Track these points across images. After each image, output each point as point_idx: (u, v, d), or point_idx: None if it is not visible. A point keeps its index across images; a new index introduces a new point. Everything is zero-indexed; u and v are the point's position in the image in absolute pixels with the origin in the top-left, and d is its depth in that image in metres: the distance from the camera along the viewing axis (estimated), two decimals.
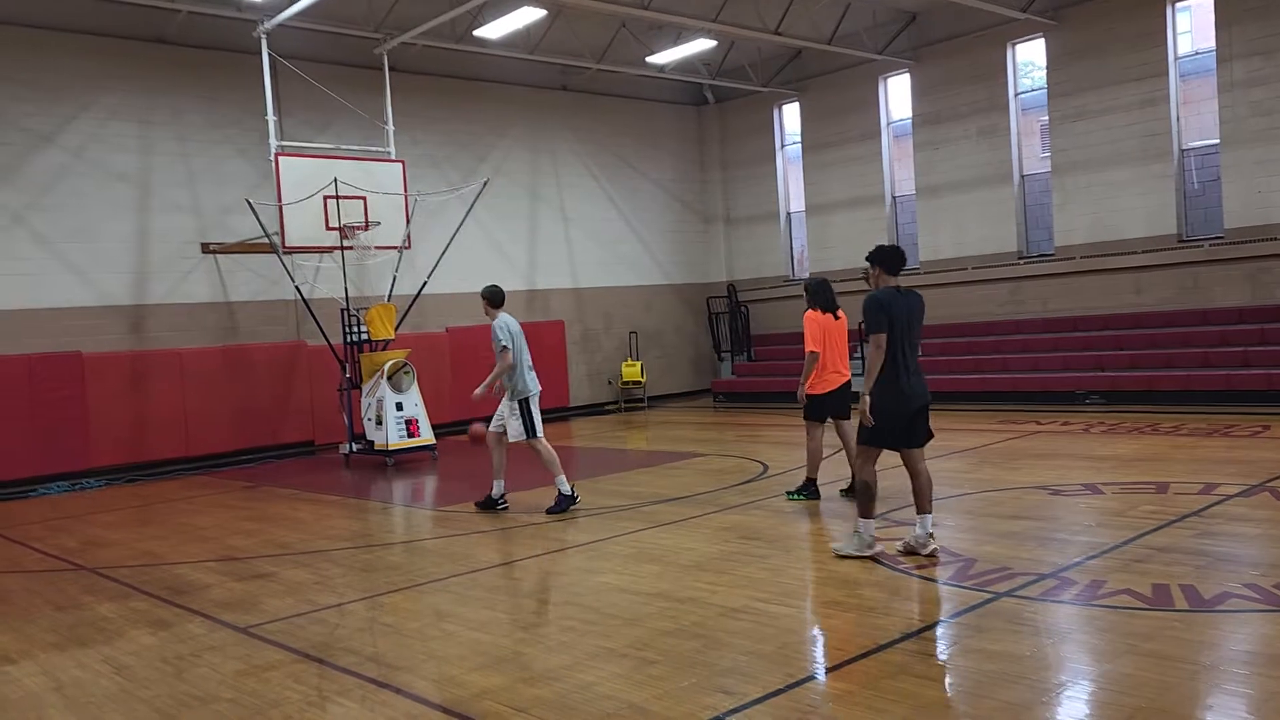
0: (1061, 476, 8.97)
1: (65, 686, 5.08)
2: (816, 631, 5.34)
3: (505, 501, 9.21)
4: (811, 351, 8.36)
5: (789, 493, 8.82)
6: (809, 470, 8.72)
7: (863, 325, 6.51)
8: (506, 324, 8.89)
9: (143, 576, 7.52)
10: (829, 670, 4.62)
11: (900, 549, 6.49)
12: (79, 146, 13.68)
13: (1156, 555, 6.08)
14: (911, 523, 6.70)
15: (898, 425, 6.47)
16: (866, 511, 6.49)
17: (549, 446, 8.91)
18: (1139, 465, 9.34)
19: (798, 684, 4.44)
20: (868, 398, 6.37)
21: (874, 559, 6.37)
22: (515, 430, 8.86)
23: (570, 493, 8.90)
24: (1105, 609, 5.15)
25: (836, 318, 8.57)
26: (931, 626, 5.16)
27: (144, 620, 6.24)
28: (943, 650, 4.77)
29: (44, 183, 13.40)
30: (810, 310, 8.50)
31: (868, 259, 6.81)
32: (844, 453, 8.64)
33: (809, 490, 8.71)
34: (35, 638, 6.01)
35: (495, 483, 9.15)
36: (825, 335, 8.43)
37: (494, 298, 9.12)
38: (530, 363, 9.01)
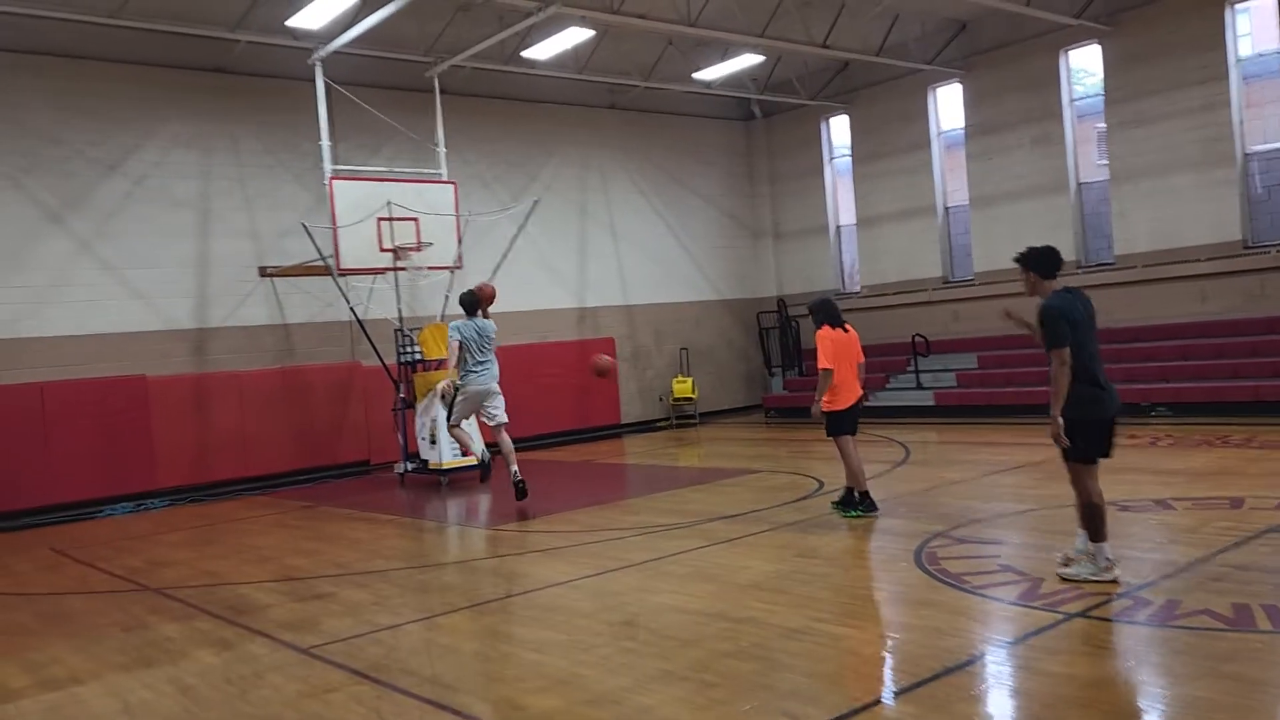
0: (1130, 492, 8.71)
1: (132, 708, 5.15)
2: (881, 653, 5.22)
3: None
4: (826, 369, 8.38)
5: (846, 512, 8.63)
6: (856, 484, 8.58)
7: (1042, 339, 5.91)
8: (458, 324, 10.49)
9: (206, 597, 7.62)
10: (896, 694, 4.51)
11: (1062, 562, 6.08)
12: (142, 175, 14.03)
13: (1234, 574, 5.86)
14: (968, 540, 6.54)
15: (1103, 433, 5.94)
16: (1099, 535, 5.92)
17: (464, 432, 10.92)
18: (1210, 479, 9.05)
19: (863, 708, 4.34)
20: (1060, 419, 5.82)
21: (1114, 582, 5.81)
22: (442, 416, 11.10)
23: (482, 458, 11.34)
24: (1183, 630, 4.97)
25: (845, 331, 8.62)
26: (1002, 648, 5.01)
27: (207, 640, 6.32)
28: (1014, 673, 4.63)
29: (109, 211, 13.76)
30: (821, 328, 8.57)
31: (1018, 261, 6.18)
32: (843, 464, 8.62)
33: (866, 505, 8.58)
34: (103, 658, 6.11)
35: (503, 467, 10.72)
36: (838, 350, 8.47)
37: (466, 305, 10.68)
38: (481, 359, 10.54)
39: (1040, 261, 6.08)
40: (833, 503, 8.88)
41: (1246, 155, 14.67)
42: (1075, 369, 5.78)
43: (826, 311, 8.64)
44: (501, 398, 10.80)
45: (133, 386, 13.49)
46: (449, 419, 10.90)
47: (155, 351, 13.97)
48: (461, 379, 10.50)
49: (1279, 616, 5.02)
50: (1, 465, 12.48)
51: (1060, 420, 5.81)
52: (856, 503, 8.59)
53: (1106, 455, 6.01)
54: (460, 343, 10.38)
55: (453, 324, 10.52)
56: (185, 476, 13.86)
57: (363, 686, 5.17)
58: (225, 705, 5.06)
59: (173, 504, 13.48)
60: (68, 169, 13.48)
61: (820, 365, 8.39)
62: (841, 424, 8.54)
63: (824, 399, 8.47)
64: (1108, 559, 5.89)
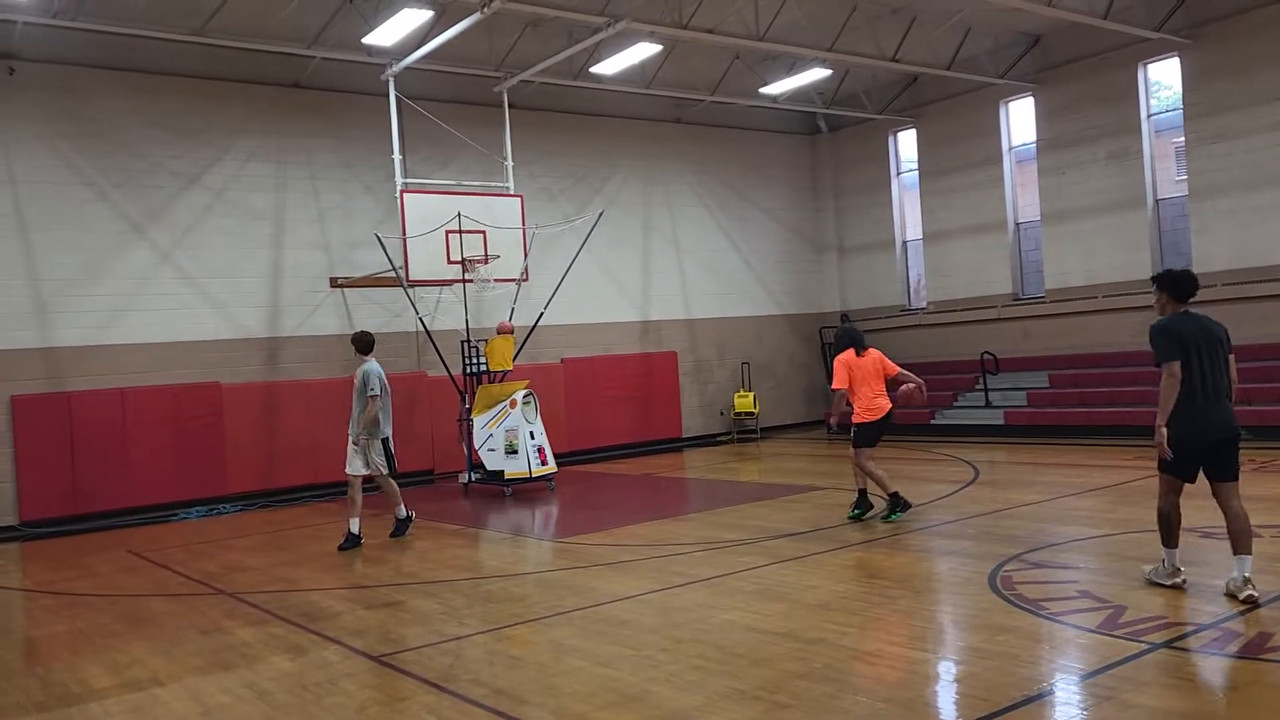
0: (1211, 518, 8.36)
1: (212, 711, 5.25)
2: (958, 679, 5.11)
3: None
4: (838, 389, 9.51)
5: (884, 517, 9.34)
6: (886, 489, 9.32)
7: (1153, 355, 6.17)
8: (378, 372, 10.04)
9: (279, 602, 7.76)
10: None
11: (1225, 592, 6.02)
12: (220, 188, 14.42)
13: None
14: (1044, 564, 6.40)
15: (1196, 457, 6.11)
16: (1168, 541, 6.28)
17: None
18: None
19: None
20: (1164, 430, 6.01)
21: (1178, 587, 6.20)
22: (377, 465, 10.10)
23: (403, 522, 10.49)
24: (1276, 664, 4.78)
25: (861, 355, 9.56)
26: (1084, 678, 4.88)
27: (282, 646, 6.43)
28: (1098, 705, 4.49)
29: (188, 223, 14.16)
30: (842, 353, 9.61)
31: (1154, 280, 6.42)
32: (859, 473, 9.53)
33: (896, 504, 9.31)
34: (182, 661, 6.25)
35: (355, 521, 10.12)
36: (852, 373, 9.47)
37: (362, 344, 10.24)
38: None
39: (1174, 284, 6.24)
40: (883, 517, 9.42)
41: None
42: (1182, 388, 5.97)
43: (852, 338, 9.75)
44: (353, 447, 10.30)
45: (207, 393, 13.84)
46: (390, 467, 10.26)
47: (229, 359, 14.32)
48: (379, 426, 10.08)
49: None
50: (83, 468, 12.89)
51: (1164, 431, 6.00)
52: (891, 506, 9.35)
53: (1216, 478, 6.13)
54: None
55: (372, 367, 10.06)
56: (255, 482, 14.16)
57: (434, 696, 5.21)
58: (300, 711, 5.14)
59: (243, 509, 13.78)
60: (151, 182, 13.90)
61: (833, 386, 9.63)
62: (868, 435, 9.51)
63: (843, 412, 9.64)
64: (1175, 566, 6.27)
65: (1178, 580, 6.21)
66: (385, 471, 10.13)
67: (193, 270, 14.16)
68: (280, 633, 6.78)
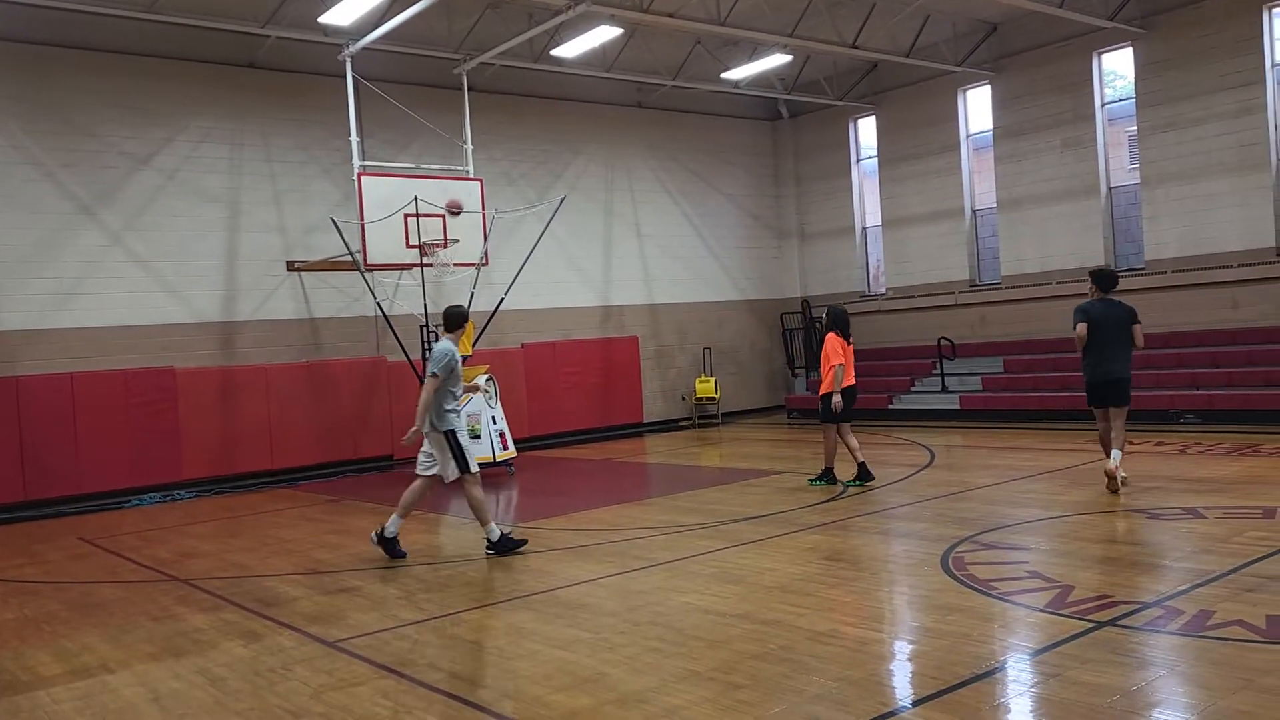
0: (1159, 499, 8.63)
1: (162, 698, 5.19)
2: (909, 659, 5.19)
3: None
4: (838, 364, 10.07)
5: (812, 481, 10.57)
6: (830, 461, 10.50)
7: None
8: (449, 351, 8.19)
9: (233, 588, 7.68)
10: (923, 700, 4.47)
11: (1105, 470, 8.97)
12: (173, 169, 14.16)
13: (1269, 584, 5.78)
14: (996, 545, 6.50)
15: (1097, 391, 9.25)
16: (1106, 451, 9.26)
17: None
18: (1241, 488, 8.94)
19: (892, 714, 4.32)
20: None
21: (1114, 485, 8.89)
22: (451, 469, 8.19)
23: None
24: (1216, 641, 4.90)
25: (849, 343, 10.34)
26: (1031, 655, 4.97)
27: (236, 632, 6.37)
28: (1044, 682, 4.59)
29: (140, 204, 13.90)
30: (830, 333, 10.24)
31: (1089, 275, 9.49)
32: (846, 449, 10.42)
33: (827, 476, 10.49)
34: (132, 648, 6.17)
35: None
36: (845, 353, 10.23)
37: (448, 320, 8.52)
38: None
39: (1100, 279, 9.29)
40: (811, 481, 10.63)
41: None
42: (1087, 345, 9.15)
43: (841, 322, 10.37)
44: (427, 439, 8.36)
45: (161, 378, 13.63)
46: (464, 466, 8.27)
47: (183, 343, 14.11)
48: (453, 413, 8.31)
49: None
50: (32, 454, 12.65)
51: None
52: (829, 478, 10.53)
53: (1106, 405, 9.25)
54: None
55: (448, 347, 8.26)
56: (211, 468, 13.99)
57: (389, 681, 5.20)
58: (254, 696, 5.10)
59: (198, 495, 13.61)
60: (102, 162, 13.62)
61: (832, 362, 10.12)
62: (848, 409, 10.28)
63: (825, 387, 10.27)
64: (1110, 469, 8.98)
65: (1115, 483, 8.92)
66: (455, 474, 8.18)
67: (145, 253, 13.90)
68: (234, 619, 6.72)
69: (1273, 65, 14.38)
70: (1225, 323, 14.77)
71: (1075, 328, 9.12)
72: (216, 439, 14.03)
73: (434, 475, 8.26)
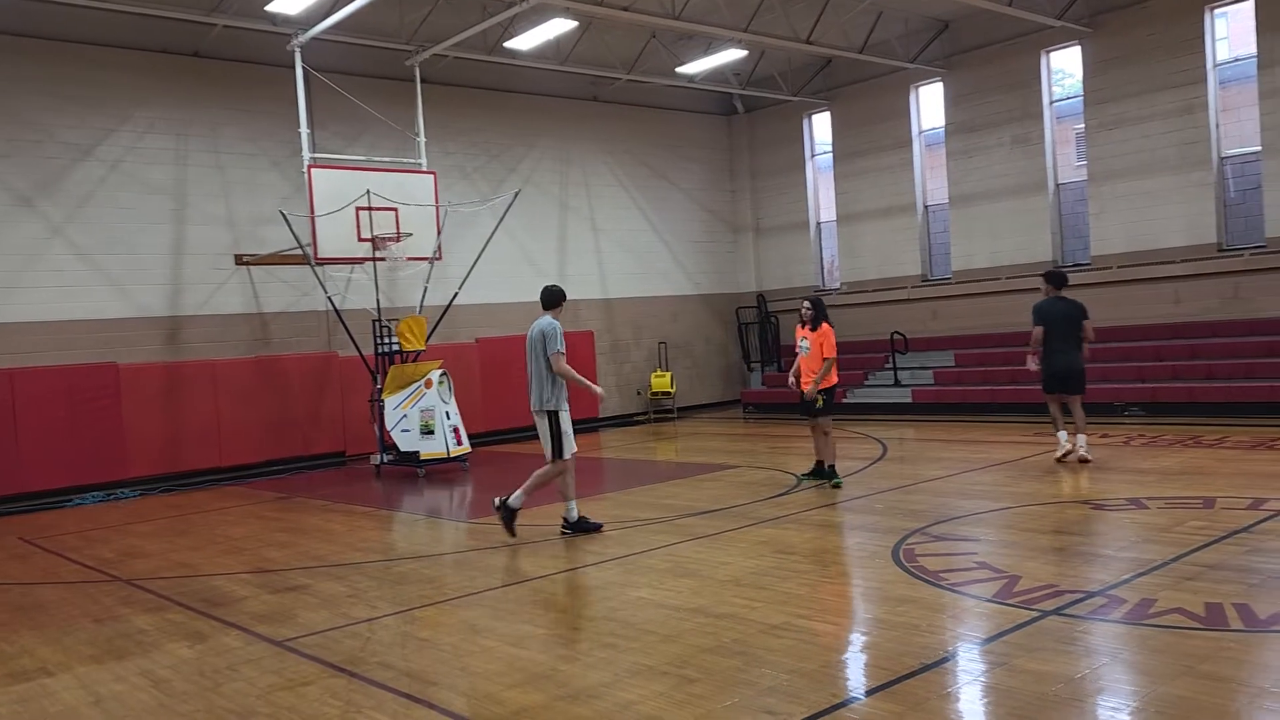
0: (1104, 490, 8.80)
1: (104, 700, 5.07)
2: (860, 650, 5.23)
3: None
4: (836, 356, 9.92)
5: (836, 483, 9.95)
6: (831, 459, 10.13)
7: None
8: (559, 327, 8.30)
9: (179, 588, 7.53)
10: (874, 690, 4.51)
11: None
12: (116, 159, 13.83)
13: (1207, 573, 5.92)
14: (945, 537, 6.59)
15: (1053, 381, 10.31)
16: (1057, 430, 10.44)
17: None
18: (1183, 479, 9.15)
19: (843, 704, 4.34)
20: (1033, 366, 10.52)
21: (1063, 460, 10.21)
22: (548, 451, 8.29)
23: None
24: (1157, 629, 5.01)
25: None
26: (979, 645, 5.04)
27: (180, 632, 6.24)
28: (992, 671, 4.65)
29: (82, 195, 13.56)
30: (826, 324, 10.05)
31: (1042, 276, 10.71)
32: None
33: (825, 473, 10.13)
34: (73, 650, 6.02)
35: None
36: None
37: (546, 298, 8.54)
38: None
39: (1052, 279, 10.55)
40: (829, 482, 10.02)
41: (1222, 159, 14.82)
42: (1044, 343, 10.27)
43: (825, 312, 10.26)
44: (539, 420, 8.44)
45: (104, 374, 13.31)
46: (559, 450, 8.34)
47: (127, 339, 13.80)
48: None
49: (1251, 616, 5.08)
50: None
51: (1033, 366, 10.56)
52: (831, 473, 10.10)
53: (1065, 392, 10.33)
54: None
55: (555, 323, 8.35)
56: (157, 466, 13.70)
57: (338, 680, 5.13)
58: (198, 698, 5.00)
59: (144, 494, 13.33)
60: (42, 153, 13.27)
61: (832, 354, 9.90)
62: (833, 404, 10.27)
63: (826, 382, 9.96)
64: (1064, 449, 10.32)
65: (1062, 453, 10.26)
66: (551, 457, 8.30)
67: (87, 246, 13.58)
68: (179, 619, 6.59)
69: (1214, 65, 14.71)
70: (1169, 317, 15.10)
71: (1034, 326, 10.23)
72: (162, 436, 13.75)
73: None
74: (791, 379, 10.24)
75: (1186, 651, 4.66)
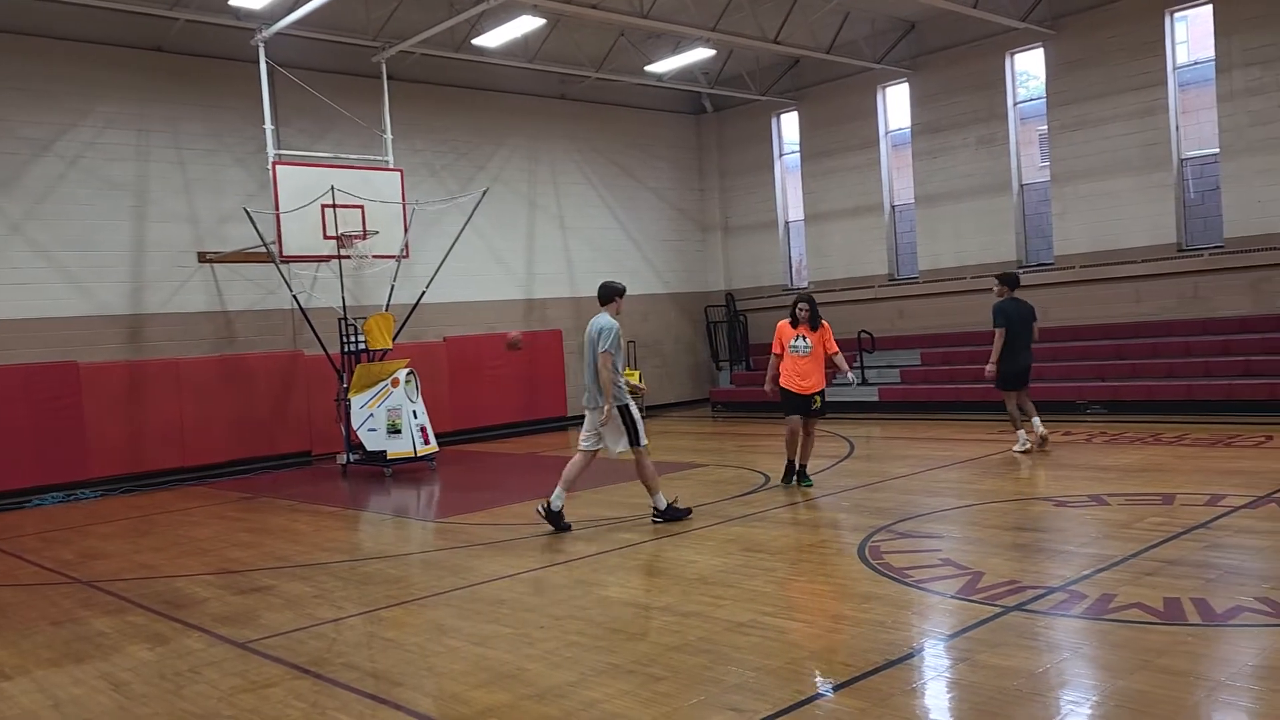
0: (1066, 487, 8.92)
1: (62, 704, 4.99)
2: (826, 647, 5.26)
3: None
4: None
5: (808, 484, 9.90)
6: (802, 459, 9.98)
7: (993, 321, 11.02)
8: (613, 325, 8.48)
9: (140, 590, 7.43)
10: (840, 687, 4.54)
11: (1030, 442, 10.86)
12: (76, 155, 13.61)
13: (1166, 568, 6.02)
14: (910, 534, 6.65)
15: (1017, 378, 10.98)
16: (1017, 426, 11.04)
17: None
18: (1143, 476, 9.29)
19: (808, 701, 4.37)
20: (995, 366, 10.93)
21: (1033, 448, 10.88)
22: (623, 443, 8.42)
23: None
24: (1117, 623, 5.08)
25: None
26: (942, 641, 5.09)
27: (141, 635, 6.16)
28: (955, 666, 4.70)
29: (41, 191, 13.33)
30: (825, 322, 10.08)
31: (996, 278, 11.30)
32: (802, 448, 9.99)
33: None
34: (31, 653, 5.92)
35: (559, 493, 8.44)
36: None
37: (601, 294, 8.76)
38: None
39: (1008, 280, 11.20)
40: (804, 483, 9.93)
41: (1182, 160, 15.07)
42: (1005, 342, 10.86)
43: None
44: (590, 415, 8.64)
45: (64, 373, 13.10)
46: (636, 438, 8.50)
47: (87, 337, 13.59)
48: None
49: (1207, 610, 5.17)
50: None
51: (994, 368, 11.00)
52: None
53: (1014, 388, 11.03)
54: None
55: (609, 321, 8.58)
56: (119, 466, 13.50)
57: (302, 681, 5.08)
58: (159, 701, 4.94)
59: (105, 494, 13.14)
60: (0, 147, 13.04)
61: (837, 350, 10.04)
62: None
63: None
64: (1025, 441, 10.97)
65: (1029, 445, 10.92)
66: (624, 447, 8.42)
67: (46, 243, 13.35)
68: (140, 621, 6.50)
69: (1174, 68, 14.94)
70: (1130, 316, 15.33)
71: (997, 329, 10.85)
72: (124, 436, 13.55)
73: (596, 450, 8.48)
74: (770, 385, 9.98)
75: (1145, 646, 4.73)
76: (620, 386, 8.42)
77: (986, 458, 11.01)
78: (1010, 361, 10.84)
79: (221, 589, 7.27)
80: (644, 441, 8.49)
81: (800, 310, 9.88)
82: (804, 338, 9.81)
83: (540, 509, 8.41)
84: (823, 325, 9.94)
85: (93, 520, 11.15)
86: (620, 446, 8.43)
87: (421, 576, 7.36)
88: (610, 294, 8.70)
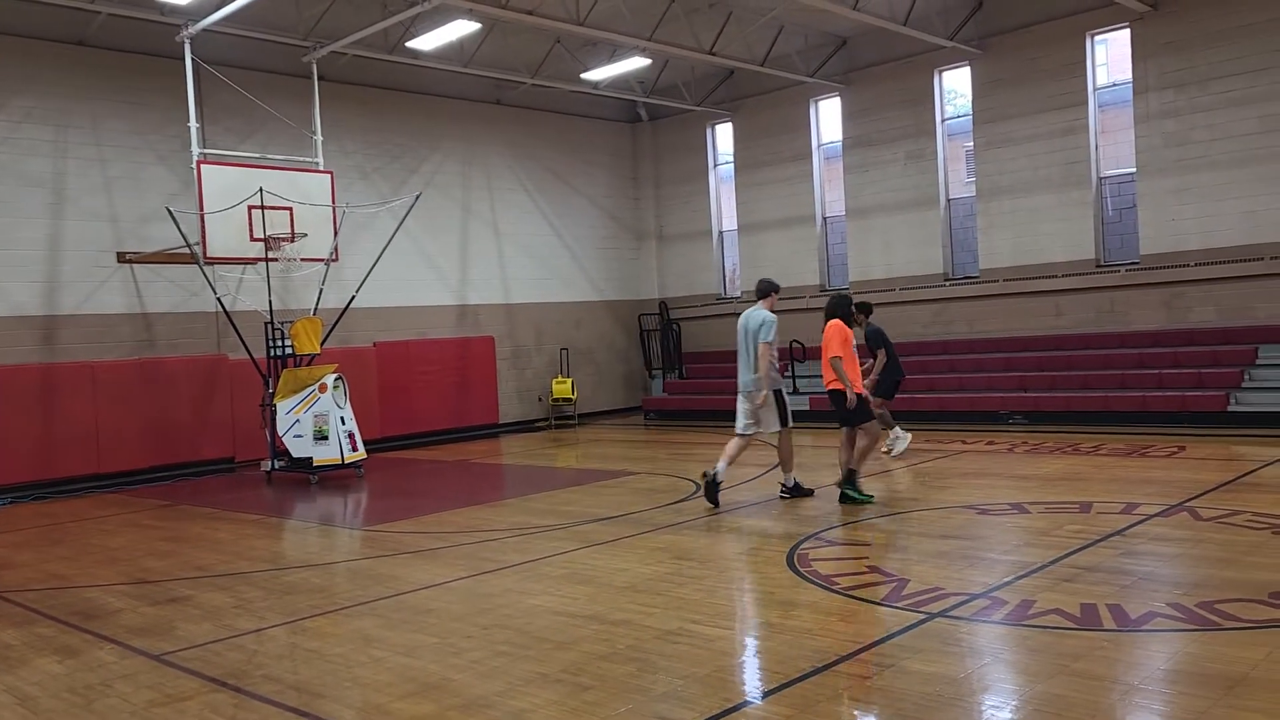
0: (988, 496, 9.12)
1: None
2: (753, 654, 5.29)
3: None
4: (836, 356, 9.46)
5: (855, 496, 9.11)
6: (859, 464, 9.28)
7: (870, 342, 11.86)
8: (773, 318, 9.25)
9: (49, 600, 7.15)
10: (767, 694, 4.57)
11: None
12: None
13: (1083, 574, 6.18)
14: (838, 542, 6.72)
15: (895, 389, 12.31)
16: (889, 427, 12.14)
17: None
18: (1062, 485, 9.55)
19: (735, 709, 4.38)
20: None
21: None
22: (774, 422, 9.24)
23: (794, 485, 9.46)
24: (1036, 629, 5.20)
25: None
26: (867, 648, 5.15)
27: (50, 647, 5.92)
28: (880, 672, 4.76)
29: None
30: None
31: (857, 307, 10.64)
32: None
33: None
34: None
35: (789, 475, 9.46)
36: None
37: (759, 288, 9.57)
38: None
39: (867, 309, 12.15)
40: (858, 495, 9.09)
41: (1101, 179, 15.56)
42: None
43: (843, 308, 9.53)
44: (744, 402, 9.30)
45: None
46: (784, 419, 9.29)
47: None
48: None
49: (1123, 615, 5.32)
50: None
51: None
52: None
53: (891, 397, 12.24)
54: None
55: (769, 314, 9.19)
56: (28, 473, 12.99)
57: (220, 695, 4.94)
58: (68, 716, 4.75)
59: (13, 502, 12.63)
60: None
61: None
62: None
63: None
64: (895, 439, 12.17)
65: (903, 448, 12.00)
66: (777, 427, 9.25)
67: None
68: (49, 633, 6.25)
69: (1094, 89, 15.43)
70: (1050, 329, 15.77)
71: (882, 350, 11.81)
72: (34, 441, 13.04)
73: (753, 435, 9.27)
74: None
75: (1062, 651, 4.85)
76: (775, 374, 9.26)
77: (912, 467, 11.21)
78: (890, 375, 11.97)
79: (136, 599, 7.03)
80: (790, 423, 9.34)
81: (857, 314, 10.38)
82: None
83: (706, 475, 9.24)
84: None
85: (0, 528, 10.70)
86: (774, 426, 9.25)
87: (346, 586, 7.22)
88: (768, 289, 9.49)
